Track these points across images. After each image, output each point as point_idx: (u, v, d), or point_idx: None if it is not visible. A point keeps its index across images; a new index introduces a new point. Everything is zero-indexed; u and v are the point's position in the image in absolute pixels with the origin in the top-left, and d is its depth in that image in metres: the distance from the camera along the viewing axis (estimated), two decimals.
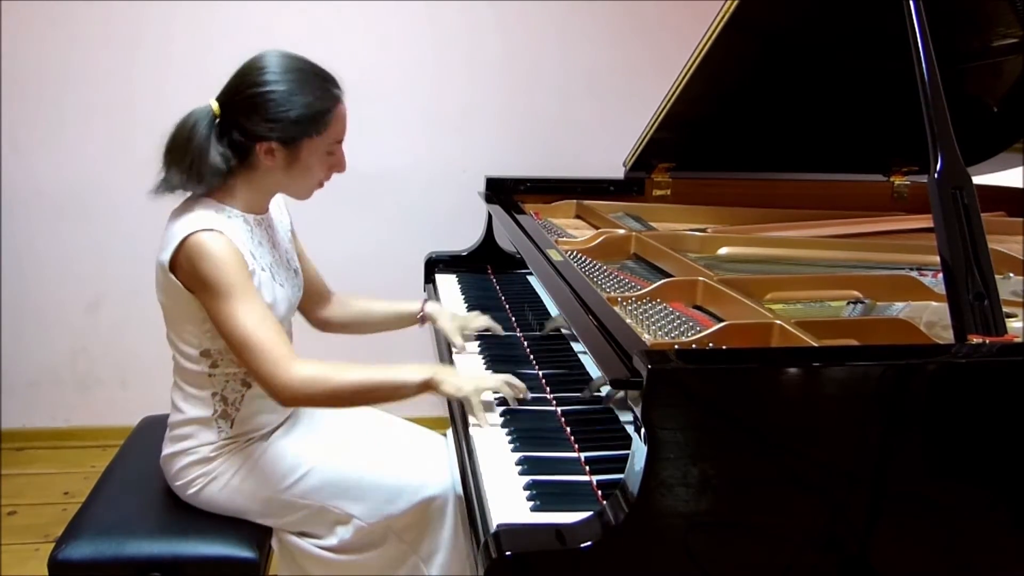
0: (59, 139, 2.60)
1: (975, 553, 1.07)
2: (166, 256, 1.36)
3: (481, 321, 1.72)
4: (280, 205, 1.61)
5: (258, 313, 1.34)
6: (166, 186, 1.40)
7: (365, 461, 1.55)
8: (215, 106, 1.39)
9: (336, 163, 1.46)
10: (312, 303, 1.72)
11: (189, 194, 1.43)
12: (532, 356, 1.64)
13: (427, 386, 1.39)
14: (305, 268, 1.66)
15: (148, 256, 2.74)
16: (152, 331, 2.83)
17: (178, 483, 1.51)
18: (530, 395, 1.40)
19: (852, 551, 1.03)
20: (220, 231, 1.35)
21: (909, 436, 1.03)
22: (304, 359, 1.35)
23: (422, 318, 1.76)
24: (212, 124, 1.38)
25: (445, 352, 1.71)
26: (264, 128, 1.36)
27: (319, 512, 1.51)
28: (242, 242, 1.39)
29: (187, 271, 1.35)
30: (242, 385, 1.47)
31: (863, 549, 1.03)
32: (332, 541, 1.53)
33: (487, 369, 1.57)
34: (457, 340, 1.68)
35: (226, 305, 1.33)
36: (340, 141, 1.44)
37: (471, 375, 1.44)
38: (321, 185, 1.48)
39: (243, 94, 1.37)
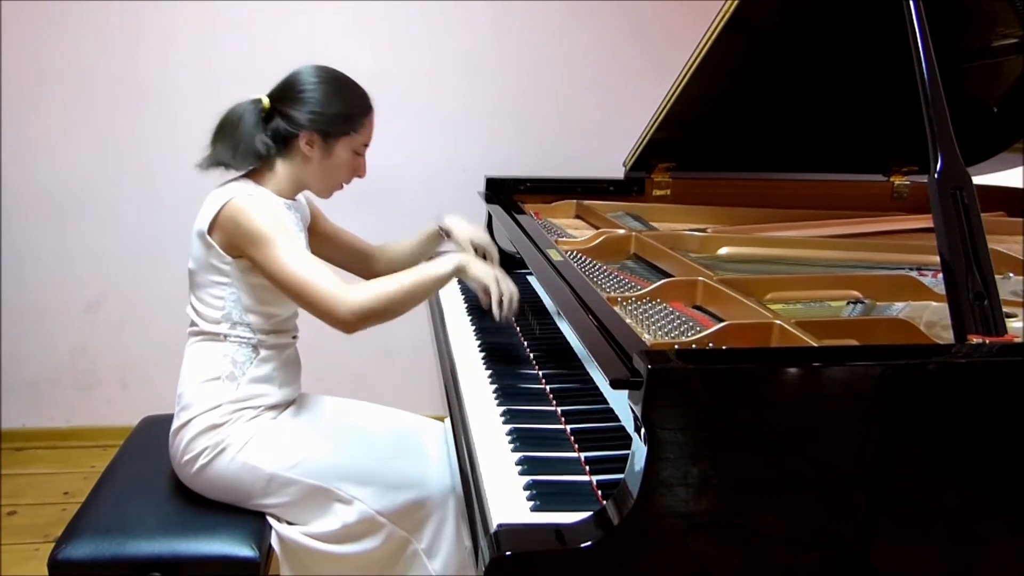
0: (59, 139, 2.60)
1: (975, 553, 1.07)
2: (205, 222, 1.50)
3: (483, 238, 1.83)
4: (301, 200, 1.72)
5: (305, 254, 1.49)
6: (211, 161, 1.56)
7: (370, 447, 1.59)
8: (265, 100, 1.57)
9: (359, 167, 1.64)
10: (364, 266, 1.89)
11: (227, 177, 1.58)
12: (532, 356, 1.64)
13: (459, 270, 1.54)
14: (340, 239, 1.86)
15: (148, 256, 2.77)
16: (152, 331, 2.85)
17: (186, 458, 1.53)
18: (516, 305, 1.54)
19: (852, 551, 1.03)
20: (253, 195, 1.50)
21: (909, 436, 1.03)
22: (349, 284, 1.47)
23: (446, 232, 1.88)
24: (259, 114, 1.56)
25: (439, 323, 1.89)
26: (307, 120, 1.54)
27: (323, 494, 1.53)
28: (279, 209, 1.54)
29: (229, 232, 1.49)
30: (252, 350, 1.57)
31: (863, 549, 1.03)
32: (335, 526, 1.54)
33: (487, 370, 1.57)
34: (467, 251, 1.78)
35: (276, 251, 1.46)
36: (367, 145, 1.64)
37: (497, 271, 1.56)
38: (342, 187, 1.66)
39: (292, 90, 1.56)
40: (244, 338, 1.56)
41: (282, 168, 1.59)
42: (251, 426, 1.54)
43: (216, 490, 1.54)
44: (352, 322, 1.43)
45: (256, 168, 1.59)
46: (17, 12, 2.49)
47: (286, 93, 1.57)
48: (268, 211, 1.49)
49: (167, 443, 1.60)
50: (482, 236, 1.84)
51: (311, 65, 1.60)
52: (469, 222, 1.88)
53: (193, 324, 1.60)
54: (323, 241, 1.80)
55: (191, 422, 1.53)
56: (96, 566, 1.43)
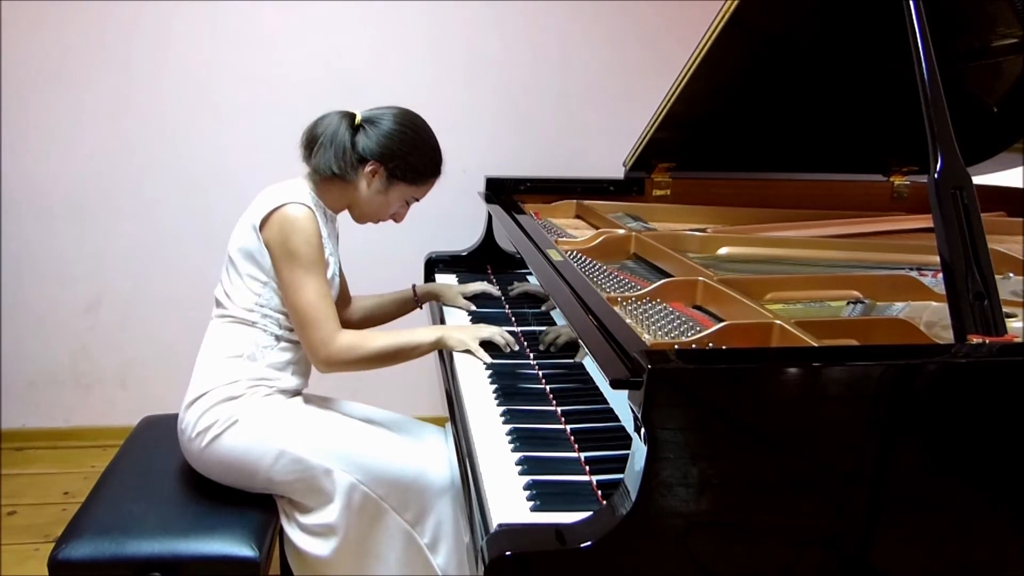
0: (58, 140, 2.60)
1: (975, 553, 1.07)
2: (258, 215, 1.56)
3: (476, 286, 1.98)
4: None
5: (323, 289, 1.57)
6: (323, 171, 1.62)
7: (375, 437, 1.62)
8: (359, 117, 1.65)
9: (400, 215, 1.75)
10: (339, 308, 1.88)
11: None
12: (532, 356, 1.64)
13: (438, 343, 1.65)
14: (341, 276, 1.85)
15: (148, 256, 2.77)
16: (152, 331, 2.85)
17: (197, 431, 1.56)
18: (516, 347, 1.64)
19: (852, 551, 1.03)
20: (312, 209, 1.57)
21: (909, 436, 1.03)
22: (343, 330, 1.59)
23: (417, 301, 2.00)
24: (350, 127, 1.63)
25: (437, 313, 1.94)
26: (382, 153, 1.63)
27: (328, 475, 1.54)
28: (321, 228, 1.61)
29: (276, 236, 1.55)
30: (274, 339, 1.62)
31: (863, 549, 1.03)
32: (338, 508, 1.55)
33: (487, 370, 1.57)
34: (461, 302, 1.94)
35: (301, 275, 1.54)
36: (418, 199, 1.74)
37: (469, 330, 1.68)
38: (377, 222, 1.75)
39: (384, 122, 1.65)
40: (270, 328, 1.61)
41: (340, 185, 1.65)
42: (266, 402, 1.59)
43: (223, 467, 1.56)
44: (328, 366, 1.59)
45: (318, 179, 1.65)
46: (17, 12, 2.49)
47: (374, 119, 1.65)
48: (314, 233, 1.56)
49: (167, 442, 1.60)
50: (471, 288, 1.97)
51: (406, 109, 1.70)
52: (449, 283, 1.97)
53: (220, 305, 1.64)
54: None
55: (207, 394, 1.57)
56: (96, 566, 1.43)
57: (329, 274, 1.63)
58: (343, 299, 1.91)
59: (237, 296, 1.61)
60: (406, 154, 1.64)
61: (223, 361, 1.60)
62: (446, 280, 2.17)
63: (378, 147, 1.62)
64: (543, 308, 1.81)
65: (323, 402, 1.76)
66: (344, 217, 1.76)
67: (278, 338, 1.62)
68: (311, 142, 1.64)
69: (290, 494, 1.58)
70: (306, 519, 1.58)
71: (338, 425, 1.62)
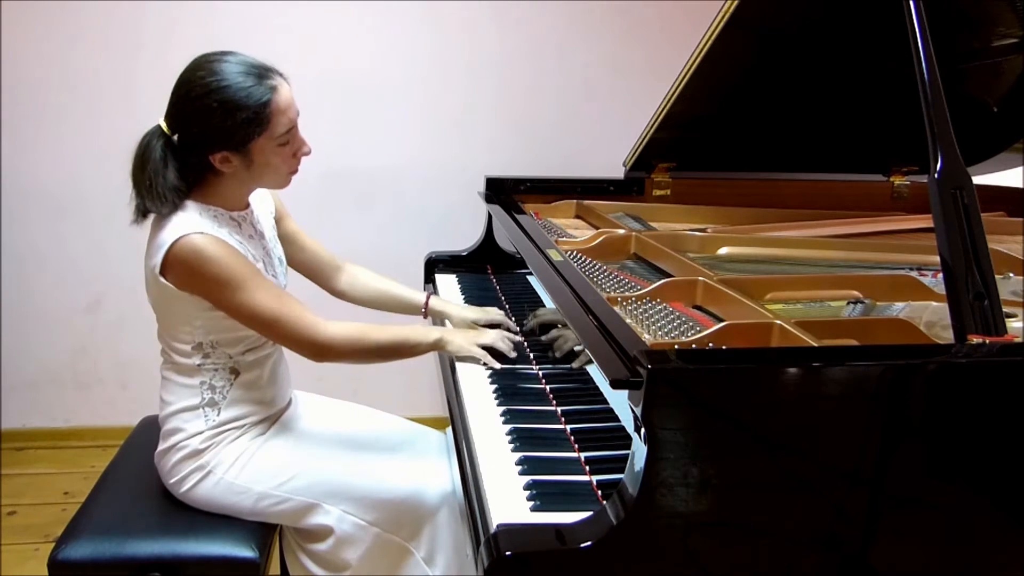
0: (59, 139, 2.60)
1: (975, 553, 1.07)
2: (156, 262, 1.38)
3: (491, 316, 1.74)
4: (262, 194, 1.63)
5: (274, 291, 1.42)
6: (138, 213, 1.44)
7: (361, 459, 1.57)
8: (164, 125, 1.41)
9: (296, 149, 1.46)
10: (324, 277, 1.80)
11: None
12: (532, 355, 1.64)
13: (436, 345, 1.56)
14: (304, 246, 1.74)
15: None
16: (152, 331, 2.84)
17: (172, 480, 1.52)
18: (515, 354, 1.58)
19: (852, 551, 1.03)
20: (204, 231, 1.37)
21: (909, 436, 1.03)
22: (329, 321, 1.46)
23: (426, 314, 1.82)
24: (165, 143, 1.40)
25: (439, 323, 1.83)
26: (210, 140, 1.38)
27: (314, 509, 1.52)
28: (234, 240, 1.43)
29: (184, 274, 1.38)
30: (230, 373, 1.50)
31: (863, 549, 1.03)
32: (330, 540, 1.53)
33: (487, 370, 1.57)
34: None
35: (243, 295, 1.38)
36: (290, 130, 1.43)
37: (470, 335, 1.60)
38: (294, 171, 1.49)
39: (183, 110, 1.38)
40: (220, 364, 1.49)
41: (218, 184, 1.44)
42: (235, 447, 1.52)
43: (209, 507, 1.52)
44: (325, 356, 1.46)
45: (197, 187, 1.44)
46: (17, 12, 2.49)
47: (178, 112, 1.39)
48: (225, 252, 1.36)
49: None
50: (480, 315, 1.74)
51: (195, 64, 1.39)
52: (462, 307, 1.82)
53: (164, 354, 1.52)
54: (285, 243, 1.69)
55: (173, 448, 1.51)
56: (96, 566, 1.43)
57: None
58: (327, 267, 1.78)
59: (173, 343, 1.48)
60: (225, 121, 1.35)
61: (180, 415, 1.50)
62: (446, 280, 2.17)
63: (198, 140, 1.37)
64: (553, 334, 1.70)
65: (310, 418, 1.66)
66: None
67: (233, 370, 1.50)
68: (138, 182, 1.43)
69: (283, 523, 1.56)
70: (306, 545, 1.57)
71: (320, 457, 1.55)
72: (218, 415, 1.50)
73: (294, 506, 1.51)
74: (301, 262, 1.76)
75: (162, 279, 1.39)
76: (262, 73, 1.39)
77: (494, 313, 1.75)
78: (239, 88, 1.36)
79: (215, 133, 1.37)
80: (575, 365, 1.48)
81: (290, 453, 1.54)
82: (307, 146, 1.48)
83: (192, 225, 1.37)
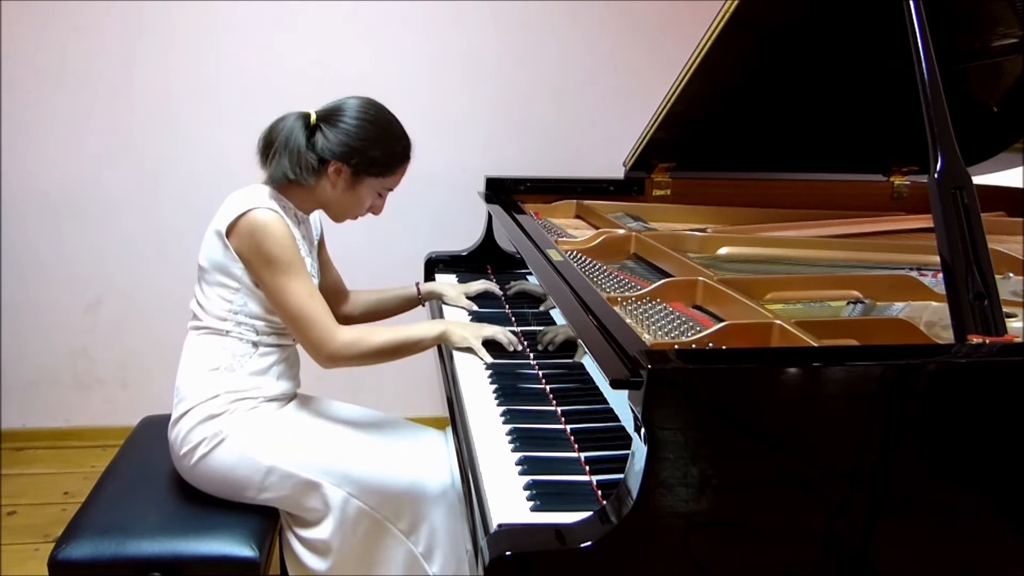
0: (58, 139, 2.60)
1: (975, 553, 1.07)
2: (224, 223, 1.52)
3: (478, 285, 1.97)
4: (315, 217, 1.76)
5: (309, 288, 1.54)
6: (278, 178, 1.58)
7: (368, 447, 1.60)
8: (313, 116, 1.58)
9: (377, 207, 1.69)
10: (336, 303, 1.90)
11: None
12: (532, 356, 1.64)
13: (440, 338, 1.63)
14: (329, 272, 1.88)
15: (148, 256, 2.77)
16: (152, 331, 2.84)
17: (185, 449, 1.54)
18: (519, 347, 1.63)
19: (852, 551, 1.03)
20: (278, 213, 1.52)
21: (909, 436, 1.03)
22: (341, 326, 1.56)
23: (420, 299, 1.99)
24: (306, 130, 1.57)
25: (437, 311, 1.94)
26: (342, 151, 1.56)
27: (319, 489, 1.54)
28: (296, 232, 1.57)
29: (247, 243, 1.51)
30: (252, 346, 1.59)
31: (863, 549, 1.03)
32: (331, 522, 1.54)
33: (487, 370, 1.57)
34: (463, 302, 1.93)
35: (284, 279, 1.50)
36: (391, 189, 1.68)
37: (473, 327, 1.66)
38: (356, 217, 1.69)
39: (341, 120, 1.57)
40: (245, 336, 1.58)
41: (308, 187, 1.59)
42: (250, 416, 1.56)
43: (214, 483, 1.55)
44: (331, 362, 1.55)
45: (283, 181, 1.59)
46: (17, 12, 2.49)
47: (331, 117, 1.58)
48: (287, 235, 1.51)
49: (167, 443, 1.60)
50: (473, 287, 1.96)
51: (363, 99, 1.61)
52: (452, 282, 1.95)
53: (195, 318, 1.61)
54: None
55: (189, 412, 1.54)
56: (96, 566, 1.43)
57: None
58: (339, 295, 1.91)
59: (209, 306, 1.57)
60: (368, 148, 1.57)
61: (202, 375, 1.56)
62: (447, 280, 2.17)
63: (337, 146, 1.56)
64: (542, 308, 1.81)
65: (317, 407, 1.71)
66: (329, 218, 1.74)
67: (256, 344, 1.58)
68: (267, 148, 1.59)
69: (284, 507, 1.58)
70: (304, 533, 1.58)
71: (328, 437, 1.60)
72: (234, 380, 1.56)
73: (299, 485, 1.53)
74: (323, 286, 1.82)
75: (226, 240, 1.51)
76: (407, 140, 1.65)
77: (481, 283, 1.98)
78: (403, 139, 1.63)
79: (353, 151, 1.56)
80: (577, 358, 1.48)
81: (303, 429, 1.59)
82: (381, 211, 1.71)
83: (267, 202, 1.53)
